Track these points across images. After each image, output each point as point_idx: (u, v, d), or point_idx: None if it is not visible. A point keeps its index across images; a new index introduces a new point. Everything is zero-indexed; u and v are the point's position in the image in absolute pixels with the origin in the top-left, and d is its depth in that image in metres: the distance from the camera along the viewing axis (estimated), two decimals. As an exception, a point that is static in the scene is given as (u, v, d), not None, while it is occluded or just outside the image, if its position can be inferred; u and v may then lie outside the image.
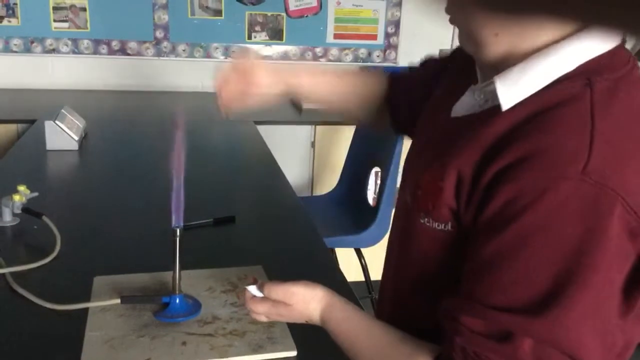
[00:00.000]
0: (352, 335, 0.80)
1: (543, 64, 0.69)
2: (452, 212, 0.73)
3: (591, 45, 0.69)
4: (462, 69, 0.86)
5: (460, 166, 0.71)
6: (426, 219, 0.76)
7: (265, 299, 0.85)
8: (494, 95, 0.73)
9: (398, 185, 2.94)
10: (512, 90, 0.70)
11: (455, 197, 0.72)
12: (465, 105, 0.80)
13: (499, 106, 0.71)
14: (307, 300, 0.83)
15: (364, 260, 2.39)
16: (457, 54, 0.90)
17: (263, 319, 0.88)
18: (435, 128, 0.85)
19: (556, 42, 0.69)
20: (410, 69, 1.09)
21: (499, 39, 0.71)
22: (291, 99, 1.07)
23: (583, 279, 0.63)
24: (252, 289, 0.87)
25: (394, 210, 0.94)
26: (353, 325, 0.80)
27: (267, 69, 1.00)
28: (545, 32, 0.69)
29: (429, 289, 0.80)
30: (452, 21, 0.77)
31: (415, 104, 0.99)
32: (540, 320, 0.64)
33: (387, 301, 0.94)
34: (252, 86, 0.99)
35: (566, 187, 0.63)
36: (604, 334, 0.66)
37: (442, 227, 0.75)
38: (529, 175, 0.64)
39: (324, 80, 1.06)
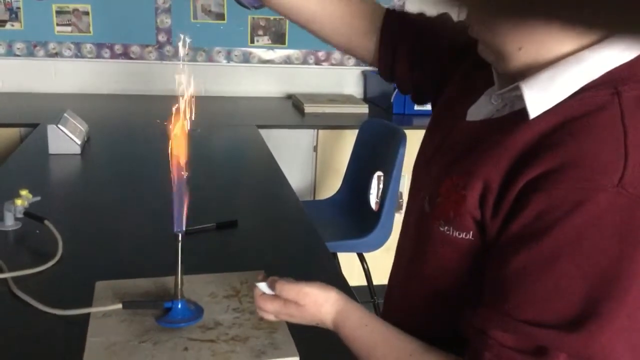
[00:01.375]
0: (370, 343, 0.78)
1: (570, 71, 0.68)
2: (475, 221, 0.71)
3: (615, 54, 0.67)
4: (476, 68, 0.84)
5: (486, 175, 0.70)
6: (446, 227, 0.74)
7: (275, 297, 0.83)
8: (514, 101, 0.72)
9: (401, 189, 2.94)
10: (540, 97, 0.68)
11: (480, 207, 0.71)
12: (481, 109, 0.79)
13: (520, 112, 0.70)
14: (320, 303, 0.80)
15: (366, 264, 2.38)
16: (472, 49, 0.84)
17: (271, 317, 0.85)
18: (450, 131, 0.83)
19: (579, 50, 0.68)
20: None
21: (523, 51, 0.70)
22: None
23: (618, 294, 0.62)
24: (263, 286, 0.85)
25: (403, 215, 0.92)
26: (370, 333, 0.78)
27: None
28: (569, 41, 0.68)
29: (444, 298, 0.78)
30: (472, 33, 0.75)
31: (423, 58, 0.93)
32: (576, 336, 0.63)
33: (394, 307, 0.92)
34: None
35: (602, 199, 0.61)
36: (634, 349, 0.65)
37: (464, 235, 0.73)
38: (562, 186, 0.63)
39: None
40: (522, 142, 0.68)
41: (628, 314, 0.63)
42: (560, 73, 0.68)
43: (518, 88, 0.70)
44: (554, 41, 0.68)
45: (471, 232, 0.72)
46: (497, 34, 0.71)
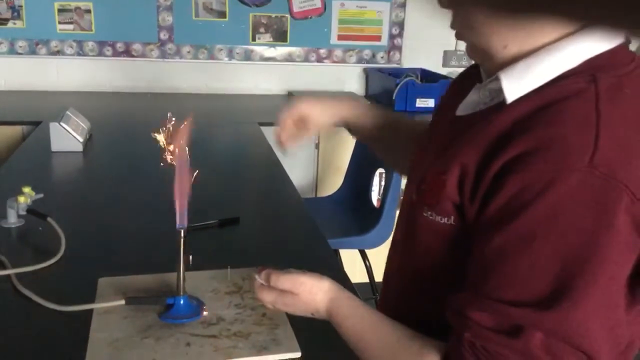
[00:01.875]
0: (359, 330, 0.80)
1: (547, 60, 0.70)
2: (454, 205, 0.73)
3: (595, 43, 0.69)
4: (467, 71, 0.88)
5: (464, 160, 0.72)
6: (429, 213, 0.76)
7: (272, 287, 0.85)
8: (498, 91, 0.74)
9: (403, 186, 2.95)
10: (517, 84, 0.71)
11: (458, 191, 0.72)
12: (470, 103, 0.81)
13: (503, 103, 0.72)
14: (313, 291, 0.82)
15: (368, 261, 2.38)
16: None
17: (270, 307, 0.88)
18: (441, 127, 0.86)
19: (559, 40, 0.70)
20: None
21: (508, 48, 0.72)
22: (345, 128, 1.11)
23: (593, 271, 0.63)
24: (259, 278, 0.87)
25: (398, 210, 0.94)
26: (360, 320, 0.80)
27: (321, 108, 1.06)
28: (549, 32, 0.70)
29: (433, 284, 0.80)
30: (458, 37, 0.77)
31: None
32: (551, 313, 0.64)
33: (390, 297, 0.94)
34: (309, 128, 1.06)
35: (573, 179, 0.63)
36: (611, 328, 0.66)
37: (445, 220, 0.75)
38: (535, 168, 0.64)
39: (371, 112, 1.09)
40: (499, 127, 0.70)
41: (603, 291, 0.64)
42: (537, 62, 0.71)
43: (498, 78, 0.73)
44: (536, 34, 0.71)
45: (452, 217, 0.74)
46: (482, 35, 0.73)
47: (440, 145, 0.81)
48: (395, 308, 0.87)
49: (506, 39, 0.72)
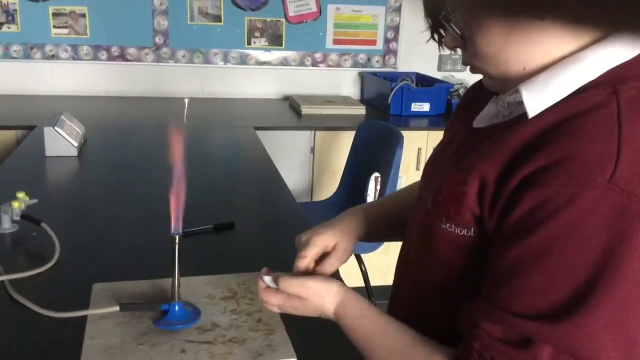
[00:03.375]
0: (368, 333, 0.80)
1: (568, 72, 0.69)
2: (474, 217, 0.73)
3: (615, 54, 0.69)
4: (481, 84, 0.87)
5: (484, 172, 0.71)
6: (448, 225, 0.76)
7: (279, 291, 0.85)
8: (518, 105, 0.74)
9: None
10: (538, 97, 0.70)
11: (479, 203, 0.72)
12: (488, 115, 0.81)
13: (523, 116, 0.71)
14: (322, 295, 0.83)
15: (364, 266, 2.38)
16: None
17: (276, 310, 0.87)
18: (457, 139, 0.85)
19: (578, 51, 0.70)
20: None
21: (527, 69, 0.72)
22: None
23: (608, 288, 0.63)
24: (268, 280, 0.87)
25: (409, 216, 0.93)
26: (368, 324, 0.80)
27: (340, 235, 0.96)
28: (568, 43, 0.70)
29: (449, 295, 0.79)
30: (474, 70, 0.77)
31: None
32: (562, 327, 0.63)
33: (401, 307, 0.93)
34: (336, 261, 0.96)
35: (593, 195, 0.62)
36: (625, 347, 0.65)
37: (465, 232, 0.74)
38: (555, 183, 0.64)
39: (382, 209, 1.05)
40: (520, 140, 0.69)
41: (618, 308, 0.63)
42: (558, 74, 0.70)
43: (518, 91, 0.72)
44: (554, 48, 0.70)
45: (472, 229, 0.73)
46: (499, 63, 0.73)
47: (457, 156, 0.80)
48: (405, 318, 0.86)
49: (524, 60, 0.71)
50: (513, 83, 0.74)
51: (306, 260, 0.92)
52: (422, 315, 0.84)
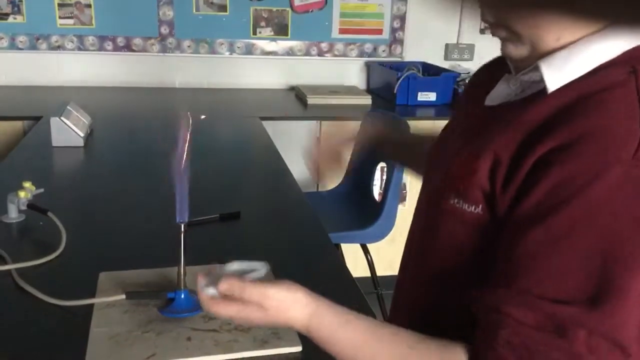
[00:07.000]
0: (356, 341, 0.73)
1: (588, 50, 0.69)
2: (484, 194, 0.71)
3: (633, 35, 0.68)
4: (492, 62, 0.87)
5: (498, 149, 0.70)
6: (456, 200, 0.74)
7: (230, 299, 0.75)
8: (532, 83, 0.73)
9: (404, 180, 2.92)
10: (558, 73, 0.69)
11: (489, 180, 0.70)
12: (500, 93, 0.79)
13: (536, 94, 0.71)
14: (286, 306, 0.73)
15: (369, 255, 2.38)
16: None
17: (224, 319, 0.79)
18: (467, 117, 0.84)
19: (598, 31, 0.69)
20: None
21: (560, 41, 0.70)
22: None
23: (634, 267, 0.62)
24: (210, 291, 0.76)
25: (416, 204, 0.92)
26: (353, 331, 0.73)
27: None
28: (592, 23, 0.69)
29: (453, 275, 0.77)
30: (499, 33, 0.73)
31: None
32: (596, 312, 0.62)
33: (404, 291, 0.91)
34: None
35: (618, 171, 0.61)
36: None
37: (473, 209, 0.72)
38: (577, 160, 0.63)
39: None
40: (536, 117, 0.68)
41: (638, 288, 0.62)
42: (576, 52, 0.69)
43: (537, 69, 0.71)
44: (580, 25, 0.69)
45: (480, 206, 0.72)
46: (539, 27, 0.70)
47: (468, 134, 0.79)
48: (409, 302, 0.85)
49: (561, 30, 0.70)
50: (538, 53, 0.71)
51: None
52: (426, 297, 0.83)
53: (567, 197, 0.63)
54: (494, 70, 0.84)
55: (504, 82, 0.80)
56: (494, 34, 0.75)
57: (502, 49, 0.75)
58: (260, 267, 0.81)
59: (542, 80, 0.71)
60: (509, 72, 0.80)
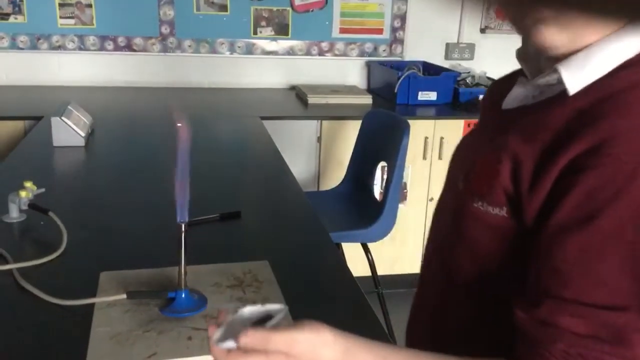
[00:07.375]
0: None
1: (606, 50, 0.68)
2: (507, 196, 0.70)
3: None
4: (501, 80, 0.87)
5: (519, 151, 0.69)
6: (480, 203, 0.73)
7: (250, 351, 0.66)
8: (548, 87, 0.73)
9: (405, 179, 2.93)
10: (578, 75, 0.69)
11: (512, 181, 0.70)
12: (516, 97, 0.79)
13: (555, 97, 0.70)
14: (315, 349, 0.66)
15: (370, 255, 2.38)
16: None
17: None
18: (486, 122, 0.85)
19: (616, 32, 0.68)
20: None
21: (577, 43, 0.69)
22: None
23: None
24: (228, 344, 0.66)
25: (433, 210, 0.91)
26: None
27: None
28: (611, 23, 0.68)
29: (478, 279, 0.76)
30: (547, 13, 0.68)
31: None
32: None
33: (429, 295, 0.89)
34: None
35: None
36: None
37: (497, 211, 0.71)
38: (610, 162, 0.62)
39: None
40: (558, 120, 0.68)
41: None
42: (594, 52, 0.69)
43: (556, 71, 0.70)
44: (599, 24, 0.68)
45: (504, 209, 0.71)
46: (574, 29, 0.68)
47: (487, 137, 0.79)
48: (432, 310, 0.83)
49: (587, 31, 0.69)
50: (576, 46, 0.70)
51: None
52: (450, 304, 0.81)
53: (606, 200, 0.62)
54: (507, 84, 0.83)
55: (519, 86, 0.79)
56: (528, 15, 0.69)
57: (535, 35, 0.69)
58: (276, 310, 0.72)
59: (559, 83, 0.70)
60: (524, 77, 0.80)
